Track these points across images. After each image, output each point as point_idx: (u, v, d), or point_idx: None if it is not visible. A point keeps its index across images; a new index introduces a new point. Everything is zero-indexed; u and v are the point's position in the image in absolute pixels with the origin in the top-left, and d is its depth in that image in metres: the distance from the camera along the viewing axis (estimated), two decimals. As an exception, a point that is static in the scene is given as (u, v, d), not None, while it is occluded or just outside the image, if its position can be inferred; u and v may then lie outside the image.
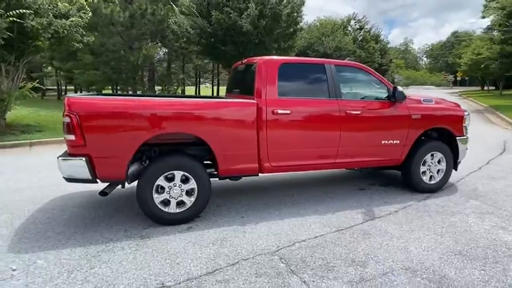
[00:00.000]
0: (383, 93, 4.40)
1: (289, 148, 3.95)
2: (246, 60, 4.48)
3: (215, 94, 32.17)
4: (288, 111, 3.85)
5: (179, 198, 3.61)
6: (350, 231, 3.51)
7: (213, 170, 3.89)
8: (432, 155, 4.61)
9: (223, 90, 36.41)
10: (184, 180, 3.60)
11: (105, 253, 3.05)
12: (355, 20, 31.00)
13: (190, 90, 36.10)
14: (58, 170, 3.43)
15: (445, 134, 4.70)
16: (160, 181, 3.53)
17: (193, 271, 2.76)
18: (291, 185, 5.07)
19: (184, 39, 17.16)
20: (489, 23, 46.48)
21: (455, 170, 4.84)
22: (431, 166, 4.64)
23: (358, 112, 4.15)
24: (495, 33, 27.71)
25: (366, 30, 30.33)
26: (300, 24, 16.43)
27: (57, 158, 3.39)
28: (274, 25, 14.90)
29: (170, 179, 3.56)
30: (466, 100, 24.48)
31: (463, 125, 4.73)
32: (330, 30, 23.67)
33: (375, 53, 29.56)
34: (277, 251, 3.10)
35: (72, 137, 3.25)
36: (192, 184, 3.62)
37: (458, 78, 60.44)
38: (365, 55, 27.24)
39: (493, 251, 3.09)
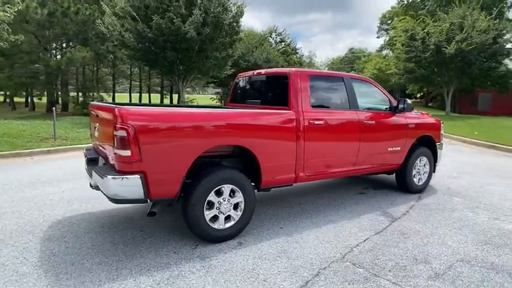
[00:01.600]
0: (386, 105, 4.88)
1: (321, 157, 4.10)
2: (264, 71, 4.50)
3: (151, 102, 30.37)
4: (322, 122, 4.01)
5: (227, 213, 3.45)
6: (388, 233, 3.80)
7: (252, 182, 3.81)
8: (420, 159, 5.27)
9: (155, 98, 34.55)
10: (231, 194, 3.46)
11: (177, 279, 2.76)
12: (276, 32, 32.85)
13: (122, 97, 33.42)
14: (102, 189, 2.99)
15: (426, 141, 5.41)
16: (211, 196, 3.32)
17: (287, 287, 2.69)
18: (295, 194, 5.20)
19: (115, 43, 15.92)
20: (382, 43, 53.59)
21: (434, 172, 5.61)
22: (420, 169, 5.31)
23: (373, 122, 4.54)
24: (391, 51, 32.52)
25: (287, 43, 32.37)
26: (240, 34, 16.74)
27: (105, 176, 2.93)
28: (216, 33, 14.90)
29: (219, 194, 3.38)
30: None
31: (441, 132, 5.53)
32: (258, 42, 24.67)
33: (295, 66, 31.68)
34: (344, 257, 3.21)
35: (126, 153, 2.85)
36: (239, 198, 3.50)
37: (358, 90, 68.46)
38: (289, 67, 29.05)
39: (508, 238, 3.72)
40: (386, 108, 4.87)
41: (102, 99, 20.31)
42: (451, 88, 20.76)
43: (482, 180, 6.29)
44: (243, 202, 3.51)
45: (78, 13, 16.80)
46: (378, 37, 58.19)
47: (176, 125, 3.07)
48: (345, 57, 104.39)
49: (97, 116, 3.51)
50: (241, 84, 4.98)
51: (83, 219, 4.06)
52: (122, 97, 33.27)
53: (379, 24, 57.68)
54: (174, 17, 13.53)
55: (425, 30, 19.36)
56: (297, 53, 34.34)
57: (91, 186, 3.64)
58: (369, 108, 4.68)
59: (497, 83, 22.27)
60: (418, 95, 43.69)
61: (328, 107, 4.23)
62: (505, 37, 19.19)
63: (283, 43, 31.65)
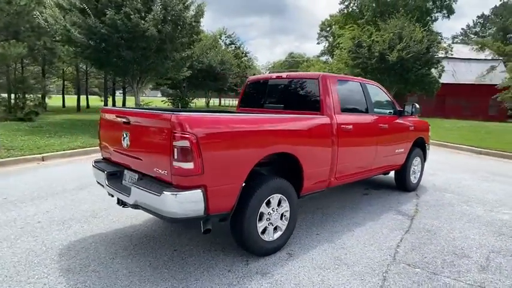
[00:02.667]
0: (391, 108, 5.12)
1: (348, 161, 4.14)
2: (286, 74, 4.42)
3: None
4: (350, 126, 4.05)
5: (276, 224, 3.31)
6: (415, 231, 3.99)
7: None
8: (415, 159, 5.63)
9: (94, 100, 31.64)
10: (279, 204, 3.33)
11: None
12: (225, 34, 32.66)
13: (56, 99, 30.06)
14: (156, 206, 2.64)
15: (419, 142, 5.79)
16: (263, 207, 3.15)
17: (366, 294, 2.66)
18: (306, 200, 5.18)
19: (57, 38, 14.36)
20: (322, 48, 56.19)
21: (423, 171, 6.03)
22: (415, 168, 5.67)
23: (386, 125, 4.73)
24: (330, 57, 34.43)
25: (237, 46, 32.40)
26: (201, 34, 16.27)
27: (161, 192, 2.59)
28: (176, 32, 14.29)
29: (268, 204, 3.22)
30: None
31: (429, 134, 5.98)
32: (212, 44, 24.30)
33: (246, 69, 31.93)
34: (395, 258, 3.28)
35: (189, 165, 2.56)
36: (286, 207, 3.38)
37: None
38: (240, 70, 29.04)
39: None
40: (391, 112, 5.11)
41: (40, 103, 18.20)
42: (392, 92, 22.67)
43: (456, 176, 6.94)
44: (289, 211, 3.40)
45: (11, 2, 14.80)
46: (318, 43, 61.36)
47: (239, 132, 2.85)
48: (285, 62, 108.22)
49: (126, 123, 3.09)
50: (255, 88, 4.83)
51: (97, 242, 3.56)
52: (55, 99, 30.21)
53: (319, 31, 60.74)
54: (132, 13, 12.65)
55: (371, 39, 20.88)
56: (247, 56, 34.56)
57: (121, 203, 3.22)
58: (380, 112, 4.86)
59: (424, 89, 24.75)
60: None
61: (352, 111, 4.30)
62: (435, 47, 21.54)
63: (233, 45, 31.59)
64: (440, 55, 23.25)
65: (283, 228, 3.37)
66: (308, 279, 2.88)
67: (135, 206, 2.91)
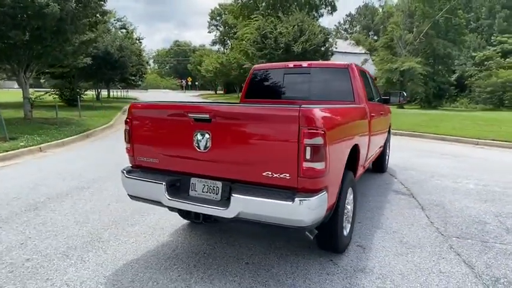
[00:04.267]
0: (378, 96, 5.51)
1: (371, 148, 4.31)
2: (307, 63, 4.26)
3: None
4: (374, 114, 4.22)
5: (349, 218, 3.25)
6: (428, 207, 4.45)
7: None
8: (388, 142, 6.24)
9: None
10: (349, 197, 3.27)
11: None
12: (115, 17, 29.22)
13: None
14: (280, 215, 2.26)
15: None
16: (347, 202, 3.05)
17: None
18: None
19: None
20: (213, 38, 56.29)
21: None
22: (387, 151, 6.29)
23: (383, 113, 5.08)
24: (222, 46, 34.88)
25: (130, 30, 29.40)
26: (107, 15, 14.19)
27: (288, 199, 2.22)
28: (79, 10, 12.15)
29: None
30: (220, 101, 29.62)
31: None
32: (105, 27, 21.40)
33: (140, 57, 29.33)
34: (442, 234, 3.62)
35: (321, 166, 2.28)
36: (351, 198, 3.34)
37: (189, 83, 70.25)
38: (136, 58, 26.54)
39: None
40: (379, 99, 5.50)
41: None
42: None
43: (420, 159, 7.65)
44: (353, 201, 3.37)
45: None
46: (209, 32, 60.92)
47: (346, 123, 2.66)
48: (170, 50, 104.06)
49: (205, 120, 2.52)
50: (266, 78, 4.53)
51: (148, 261, 2.87)
52: None
53: (209, 20, 60.33)
54: (24, -16, 10.18)
55: (277, 30, 21.84)
56: (141, 42, 31.82)
57: (199, 218, 2.65)
58: (378, 100, 5.18)
59: None
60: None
61: (369, 100, 4.46)
62: (330, 40, 24.00)
63: (124, 30, 28.58)
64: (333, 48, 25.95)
65: (350, 220, 3.32)
66: (402, 266, 2.94)
67: (235, 220, 2.43)
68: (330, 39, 23.92)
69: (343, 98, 3.96)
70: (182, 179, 2.74)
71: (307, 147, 2.22)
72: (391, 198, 4.81)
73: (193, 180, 2.70)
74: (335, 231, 2.86)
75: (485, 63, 32.66)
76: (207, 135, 2.53)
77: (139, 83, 37.88)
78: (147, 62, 49.62)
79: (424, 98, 32.33)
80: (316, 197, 2.28)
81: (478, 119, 16.03)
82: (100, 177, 5.75)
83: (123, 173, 2.95)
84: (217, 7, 56.32)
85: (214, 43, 62.66)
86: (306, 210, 2.26)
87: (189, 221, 3.91)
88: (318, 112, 2.31)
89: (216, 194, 2.60)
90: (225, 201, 2.54)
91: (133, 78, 30.51)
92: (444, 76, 33.89)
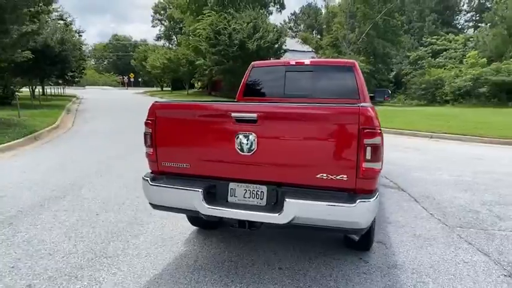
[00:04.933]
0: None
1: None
2: (310, 61, 4.22)
3: None
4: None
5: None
6: (425, 200, 4.70)
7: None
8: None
9: None
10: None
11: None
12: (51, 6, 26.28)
13: None
14: None
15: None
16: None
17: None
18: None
19: None
20: (158, 32, 53.93)
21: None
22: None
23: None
24: (167, 41, 33.83)
25: (69, 22, 26.85)
26: (51, 5, 12.77)
27: (351, 201, 2.15)
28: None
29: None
30: (169, 99, 28.70)
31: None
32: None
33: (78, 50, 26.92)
34: (447, 225, 3.84)
35: (379, 166, 2.27)
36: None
37: (132, 80, 66.83)
38: (77, 53, 24.33)
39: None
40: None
41: None
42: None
43: (390, 153, 7.67)
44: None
45: None
46: (153, 26, 58.33)
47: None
48: (109, 44, 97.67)
49: (250, 121, 2.34)
50: (267, 75, 4.39)
51: (174, 275, 2.61)
52: None
53: (152, 14, 57.65)
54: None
55: (231, 27, 21.58)
56: (81, 35, 29.26)
57: (245, 226, 2.46)
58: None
59: None
60: (198, 84, 47.57)
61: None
62: (282, 38, 24.40)
63: (62, 21, 26.04)
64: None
65: (372, 217, 3.36)
66: (428, 259, 3.04)
67: (288, 225, 2.30)
68: (282, 38, 24.32)
69: (348, 96, 3.98)
70: (218, 184, 2.53)
71: (368, 147, 2.17)
72: (383, 192, 4.99)
73: (232, 185, 2.51)
74: (372, 230, 2.87)
75: (418, 62, 35.75)
76: (251, 137, 2.35)
77: (78, 79, 35.02)
78: (88, 57, 45.85)
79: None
80: (374, 198, 2.25)
81: (424, 114, 17.43)
82: (71, 185, 5.17)
83: (147, 180, 2.64)
84: (162, 1, 54.15)
85: (159, 38, 60.16)
86: (365, 212, 2.21)
87: (197, 228, 3.67)
88: (373, 111, 2.27)
89: (261, 199, 2.44)
90: (272, 206, 2.40)
91: (72, 74, 28.09)
92: (384, 74, 36.43)
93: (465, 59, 28.97)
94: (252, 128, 2.35)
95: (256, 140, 2.34)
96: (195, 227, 3.68)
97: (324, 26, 42.28)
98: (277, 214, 2.28)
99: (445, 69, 30.25)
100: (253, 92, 4.37)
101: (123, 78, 72.62)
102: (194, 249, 3.21)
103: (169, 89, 50.05)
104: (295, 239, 3.39)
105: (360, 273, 2.80)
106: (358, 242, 3.04)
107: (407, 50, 38.93)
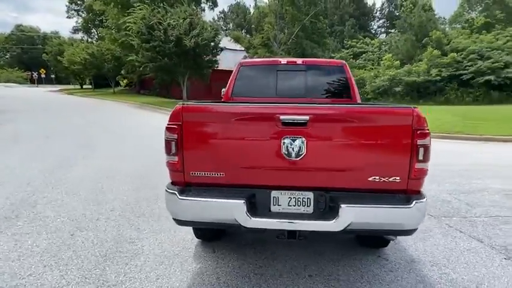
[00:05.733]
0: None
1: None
2: (301, 60, 4.12)
3: None
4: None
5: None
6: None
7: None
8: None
9: None
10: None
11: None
12: None
13: None
14: None
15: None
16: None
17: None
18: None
19: None
20: (75, 24, 49.50)
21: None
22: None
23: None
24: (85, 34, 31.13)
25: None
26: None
27: (411, 203, 2.14)
28: None
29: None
30: (94, 98, 26.71)
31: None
32: None
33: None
34: (439, 219, 4.14)
35: (427, 166, 2.29)
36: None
37: (43, 76, 59.65)
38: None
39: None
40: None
41: None
42: (186, 77, 23.43)
43: None
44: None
45: None
46: (68, 17, 52.35)
47: None
48: (11, 36, 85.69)
49: (299, 124, 2.18)
50: (256, 74, 4.18)
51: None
52: None
53: (68, 3, 51.88)
54: None
55: (167, 22, 20.44)
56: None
57: (293, 236, 2.28)
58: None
59: (202, 74, 26.68)
60: (124, 82, 44.44)
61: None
62: (220, 36, 24.02)
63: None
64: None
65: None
66: (437, 250, 3.23)
67: (342, 232, 2.20)
68: (219, 36, 23.96)
69: (341, 95, 4.03)
70: (258, 193, 2.31)
71: (420, 148, 2.18)
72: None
73: (274, 193, 2.31)
74: None
75: (342, 63, 38.60)
76: (299, 141, 2.19)
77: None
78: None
79: (297, 93, 36.05)
80: (425, 198, 2.27)
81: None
82: (20, 201, 4.35)
83: (174, 193, 2.29)
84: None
85: (76, 31, 54.47)
86: (419, 213, 2.22)
87: (198, 241, 3.36)
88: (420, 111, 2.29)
89: (308, 206, 2.30)
90: (321, 213, 2.28)
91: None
92: (312, 74, 38.48)
93: (382, 61, 32.10)
94: (300, 131, 2.19)
95: (305, 143, 2.19)
96: (195, 240, 3.36)
97: (253, 26, 42.96)
98: (331, 221, 2.16)
99: (365, 70, 33.10)
100: (242, 91, 4.15)
101: (32, 74, 64.36)
102: (210, 265, 2.92)
103: (91, 86, 45.86)
104: (307, 242, 3.31)
105: (387, 271, 2.84)
106: (376, 240, 3.08)
107: (332, 51, 41.72)
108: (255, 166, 2.29)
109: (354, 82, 4.06)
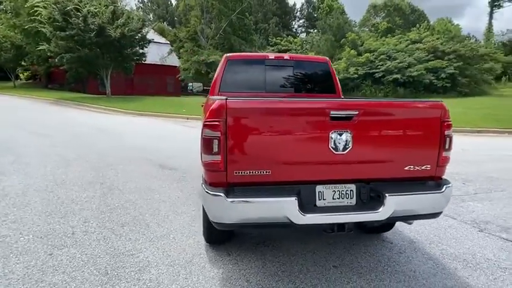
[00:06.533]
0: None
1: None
2: (288, 55, 4.11)
3: None
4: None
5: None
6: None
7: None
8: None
9: None
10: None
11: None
12: None
13: None
14: None
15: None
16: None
17: (454, 222, 3.82)
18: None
19: None
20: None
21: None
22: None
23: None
24: None
25: None
26: None
27: (442, 187, 2.33)
28: None
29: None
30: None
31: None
32: None
33: None
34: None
35: (450, 154, 2.49)
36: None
37: None
38: None
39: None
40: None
41: None
42: (110, 70, 21.51)
43: None
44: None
45: None
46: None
47: None
48: None
49: (345, 118, 2.19)
50: (244, 68, 4.04)
51: None
52: None
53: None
54: None
55: (87, 9, 18.38)
56: None
57: (342, 229, 2.29)
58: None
59: (124, 67, 24.85)
60: (25, 75, 38.95)
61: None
62: (147, 27, 22.57)
63: None
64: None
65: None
66: (430, 229, 3.56)
67: (386, 221, 2.29)
68: (146, 27, 22.54)
69: (326, 91, 4.16)
70: (303, 189, 2.27)
71: (447, 138, 2.39)
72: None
73: (319, 188, 2.29)
74: None
75: (268, 60, 39.67)
76: (346, 135, 2.22)
77: None
78: None
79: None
80: (451, 183, 2.49)
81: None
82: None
83: (220, 195, 2.10)
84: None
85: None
86: (449, 197, 2.43)
87: (205, 245, 3.16)
88: None
89: (351, 198, 2.33)
90: (363, 204, 2.34)
91: None
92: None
93: (306, 60, 33.98)
94: (347, 125, 2.21)
95: (351, 137, 2.22)
96: (202, 245, 3.16)
97: (176, 18, 41.55)
98: (378, 211, 2.24)
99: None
100: (231, 86, 3.99)
101: None
102: (232, 268, 2.77)
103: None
104: (313, 234, 3.36)
105: (398, 253, 3.05)
106: (382, 226, 3.27)
107: (258, 48, 42.66)
108: (302, 162, 2.24)
109: (337, 78, 4.23)
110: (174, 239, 3.28)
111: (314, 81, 4.24)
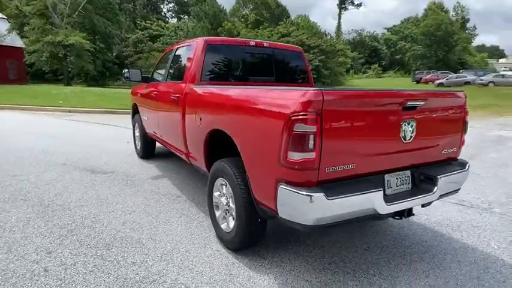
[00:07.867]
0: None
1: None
2: (267, 43, 3.88)
3: None
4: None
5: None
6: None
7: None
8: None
9: None
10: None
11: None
12: None
13: None
14: None
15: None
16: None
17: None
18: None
19: None
20: None
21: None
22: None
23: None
24: None
25: None
26: None
27: (466, 166, 2.71)
28: None
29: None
30: None
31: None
32: None
33: None
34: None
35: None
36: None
37: None
38: None
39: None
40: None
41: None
42: None
43: None
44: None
45: None
46: None
47: None
48: None
49: (410, 108, 2.28)
50: (225, 55, 3.62)
51: None
52: None
53: None
54: None
55: None
56: None
57: (406, 214, 2.39)
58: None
59: None
60: None
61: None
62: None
63: None
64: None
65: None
66: (427, 210, 3.96)
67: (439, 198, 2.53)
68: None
69: (301, 81, 4.18)
70: (375, 179, 2.27)
71: (466, 123, 2.78)
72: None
73: (387, 177, 2.33)
74: None
75: (139, 45, 36.67)
76: (412, 124, 2.32)
77: None
78: None
79: (90, 76, 31.91)
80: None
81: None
82: None
83: (321, 196, 1.89)
84: None
85: None
86: (468, 175, 2.82)
87: (234, 254, 2.82)
88: None
89: (408, 183, 2.46)
90: (415, 188, 2.50)
91: None
92: (106, 54, 34.77)
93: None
94: (413, 115, 2.32)
95: (415, 126, 2.34)
96: (229, 253, 2.82)
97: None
98: (434, 192, 2.45)
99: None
100: (212, 75, 3.55)
101: None
102: (281, 272, 2.56)
103: None
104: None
105: (413, 235, 3.28)
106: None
107: (125, 31, 38.91)
108: (379, 152, 2.24)
109: (309, 68, 4.30)
110: (188, 252, 2.81)
111: (290, 70, 4.20)
